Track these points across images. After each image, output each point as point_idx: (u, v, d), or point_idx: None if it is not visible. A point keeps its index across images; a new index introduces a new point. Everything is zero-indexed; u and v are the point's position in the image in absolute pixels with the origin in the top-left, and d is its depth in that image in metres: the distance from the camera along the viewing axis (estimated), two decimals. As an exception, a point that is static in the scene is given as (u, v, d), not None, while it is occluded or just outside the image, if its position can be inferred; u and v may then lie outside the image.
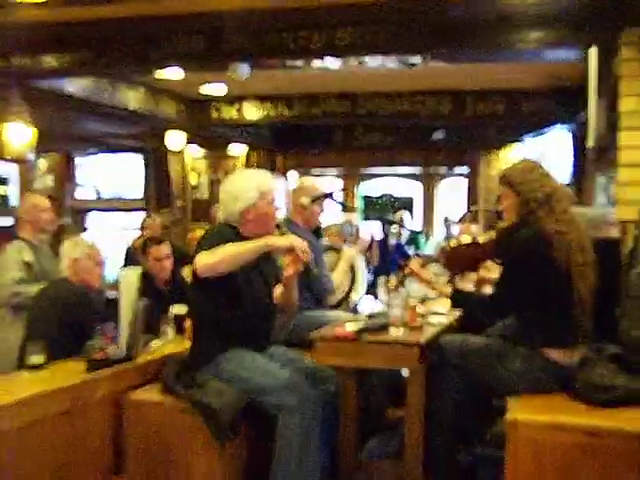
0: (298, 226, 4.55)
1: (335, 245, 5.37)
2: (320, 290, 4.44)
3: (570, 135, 8.46)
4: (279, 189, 3.78)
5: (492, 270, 4.51)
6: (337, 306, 4.98)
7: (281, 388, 3.37)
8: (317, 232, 4.70)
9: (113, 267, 6.58)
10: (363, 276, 6.64)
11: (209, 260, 3.28)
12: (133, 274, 3.65)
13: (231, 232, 3.55)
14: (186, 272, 5.64)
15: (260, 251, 3.42)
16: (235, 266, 3.34)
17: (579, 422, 3.01)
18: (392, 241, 8.20)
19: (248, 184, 3.58)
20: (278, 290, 3.76)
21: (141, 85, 8.05)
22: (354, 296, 5.27)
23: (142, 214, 9.33)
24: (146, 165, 12.51)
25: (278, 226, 3.66)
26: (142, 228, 7.72)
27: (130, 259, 7.07)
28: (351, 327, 3.67)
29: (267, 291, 3.71)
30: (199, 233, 6.18)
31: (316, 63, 5.63)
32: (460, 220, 5.82)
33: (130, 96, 7.90)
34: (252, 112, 9.20)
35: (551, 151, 8.96)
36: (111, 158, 12.67)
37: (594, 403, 3.15)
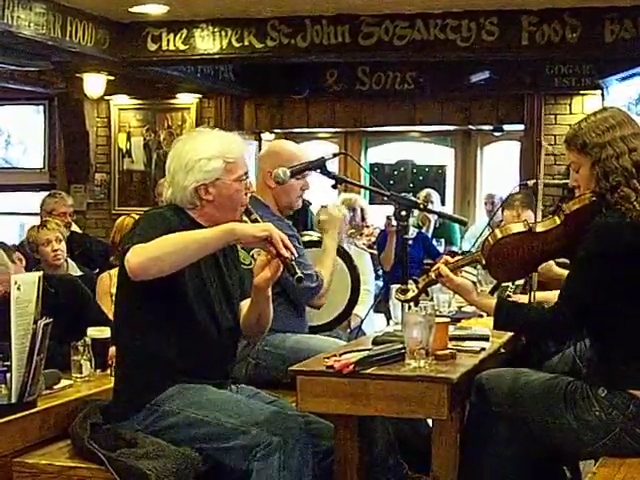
0: (267, 208, 4.55)
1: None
2: (299, 290, 4.44)
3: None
4: (250, 157, 3.80)
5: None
6: (329, 328, 4.99)
7: (252, 424, 3.40)
8: (300, 218, 4.70)
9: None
10: (370, 283, 6.67)
11: (147, 254, 3.30)
12: (29, 281, 3.64)
13: (177, 218, 3.58)
14: (106, 279, 5.70)
15: (220, 243, 3.44)
16: (182, 264, 3.37)
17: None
18: (412, 232, 8.23)
19: (209, 149, 3.62)
20: (245, 305, 3.77)
21: (42, 1, 8.03)
22: (358, 310, 5.28)
23: (43, 192, 9.29)
24: (49, 120, 12.48)
25: (248, 211, 3.68)
26: (44, 213, 7.71)
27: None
28: (349, 356, 3.67)
29: (229, 306, 3.73)
30: (130, 221, 6.22)
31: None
32: (509, 199, 5.80)
33: (25, 17, 7.87)
34: (207, 43, 9.20)
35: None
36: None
37: None
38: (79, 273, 6.41)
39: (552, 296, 4.08)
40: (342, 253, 5.06)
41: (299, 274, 3.46)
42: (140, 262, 3.31)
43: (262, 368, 4.41)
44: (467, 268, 4.05)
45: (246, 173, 3.70)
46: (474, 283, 3.99)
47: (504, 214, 5.90)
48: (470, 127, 11.83)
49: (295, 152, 4.67)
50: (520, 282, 4.77)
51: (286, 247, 3.43)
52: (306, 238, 4.93)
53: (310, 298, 4.61)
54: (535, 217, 3.81)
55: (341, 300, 4.98)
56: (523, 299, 4.53)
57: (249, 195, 3.77)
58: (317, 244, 4.95)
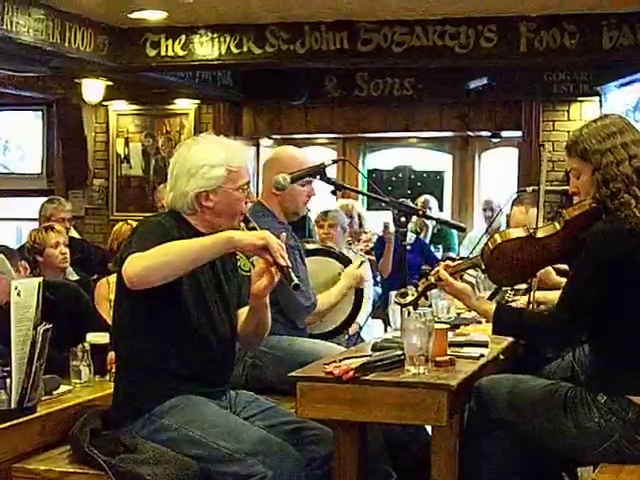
0: (272, 215, 4.56)
1: (325, 247, 5.35)
2: (291, 304, 4.45)
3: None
4: (249, 164, 3.80)
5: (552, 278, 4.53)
6: (331, 336, 4.99)
7: (248, 453, 3.37)
8: (301, 225, 4.70)
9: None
10: (369, 290, 6.67)
11: (144, 264, 3.30)
12: (29, 286, 3.64)
13: (175, 226, 3.58)
14: (104, 286, 5.69)
15: (218, 251, 3.43)
16: (180, 273, 3.37)
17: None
18: (410, 238, 8.24)
19: (213, 156, 3.61)
20: (243, 313, 3.77)
21: (41, 7, 8.03)
22: (359, 318, 5.27)
23: (42, 198, 9.28)
24: (47, 126, 12.47)
25: (246, 219, 3.68)
26: (42, 218, 7.70)
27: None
28: (349, 362, 3.67)
29: (227, 314, 3.73)
30: (127, 227, 6.21)
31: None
32: (519, 197, 5.85)
33: (24, 23, 7.87)
34: (205, 49, 9.20)
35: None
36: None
37: None
38: (76, 277, 6.44)
39: (551, 295, 4.08)
40: (343, 258, 5.07)
41: (295, 281, 3.45)
42: (137, 272, 3.31)
43: (258, 368, 4.40)
44: (468, 271, 4.05)
45: (248, 182, 3.69)
46: (472, 286, 3.99)
47: (512, 210, 5.98)
48: (468, 133, 11.83)
49: (296, 157, 4.67)
50: (519, 287, 4.77)
51: (282, 256, 3.42)
52: (307, 247, 4.93)
53: (301, 315, 4.60)
54: (537, 223, 3.80)
55: (345, 308, 4.98)
56: (523, 300, 4.52)
57: (249, 204, 3.77)
58: (315, 252, 4.96)
